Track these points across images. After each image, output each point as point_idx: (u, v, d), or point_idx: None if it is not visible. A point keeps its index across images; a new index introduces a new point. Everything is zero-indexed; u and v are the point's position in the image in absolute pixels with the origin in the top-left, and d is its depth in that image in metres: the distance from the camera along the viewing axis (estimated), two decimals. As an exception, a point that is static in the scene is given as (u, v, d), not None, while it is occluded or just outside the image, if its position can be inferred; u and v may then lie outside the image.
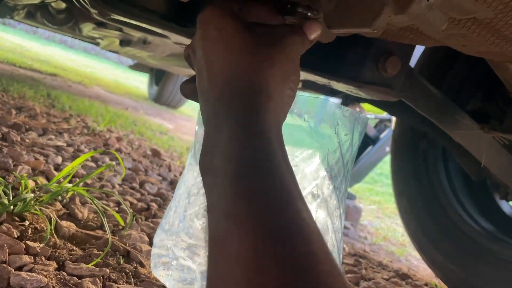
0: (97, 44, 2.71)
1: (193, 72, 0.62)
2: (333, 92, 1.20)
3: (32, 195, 0.90)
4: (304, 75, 1.00)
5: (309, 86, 1.12)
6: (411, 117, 1.22)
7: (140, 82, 7.89)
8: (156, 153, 2.05)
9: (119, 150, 1.83)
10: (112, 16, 0.87)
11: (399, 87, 0.92)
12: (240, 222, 0.33)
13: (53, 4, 1.84)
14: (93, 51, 12.97)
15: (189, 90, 0.58)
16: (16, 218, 0.87)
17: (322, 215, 0.81)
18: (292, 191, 0.38)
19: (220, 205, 0.37)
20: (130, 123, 2.85)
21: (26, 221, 0.87)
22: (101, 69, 9.18)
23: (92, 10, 0.84)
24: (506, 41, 0.67)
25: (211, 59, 0.49)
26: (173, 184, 1.62)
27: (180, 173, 1.87)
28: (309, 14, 0.68)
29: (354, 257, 1.48)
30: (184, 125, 4.08)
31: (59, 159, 1.37)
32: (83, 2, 0.83)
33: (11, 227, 0.80)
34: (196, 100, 0.57)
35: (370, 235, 2.11)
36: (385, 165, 3.97)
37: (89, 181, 1.26)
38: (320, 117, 0.88)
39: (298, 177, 0.88)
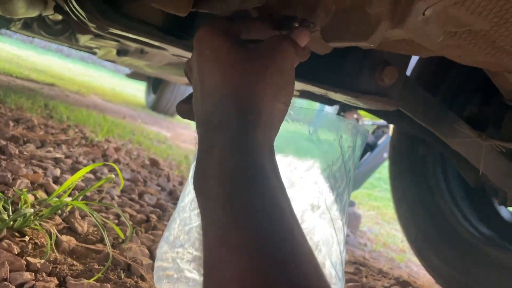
0: (94, 53, 2.72)
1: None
2: (330, 101, 1.21)
3: (32, 210, 0.90)
4: (301, 86, 1.00)
5: (306, 95, 1.13)
6: (409, 125, 1.23)
7: (138, 90, 7.90)
8: (154, 163, 2.05)
9: (117, 161, 1.83)
10: (110, 30, 0.88)
11: (396, 97, 0.93)
12: (232, 247, 0.33)
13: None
14: (90, 60, 12.98)
15: (186, 109, 0.58)
16: (16, 234, 0.87)
17: (324, 225, 0.81)
18: (284, 211, 0.38)
19: (213, 230, 0.37)
20: (128, 132, 2.85)
21: (26, 236, 0.87)
22: (98, 77, 9.19)
23: (90, 24, 0.84)
24: (501, 52, 0.68)
25: (204, 78, 0.50)
26: (172, 194, 1.62)
27: (179, 183, 1.87)
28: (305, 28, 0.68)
29: (354, 265, 1.48)
30: (182, 133, 4.08)
31: (57, 172, 1.36)
32: (81, 17, 0.84)
33: (12, 243, 0.80)
34: (192, 119, 0.58)
35: (370, 241, 2.11)
36: (383, 170, 3.97)
37: (88, 193, 1.26)
38: (322, 128, 0.89)
39: (299, 187, 0.88)
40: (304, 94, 1.12)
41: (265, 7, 0.70)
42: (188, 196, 0.75)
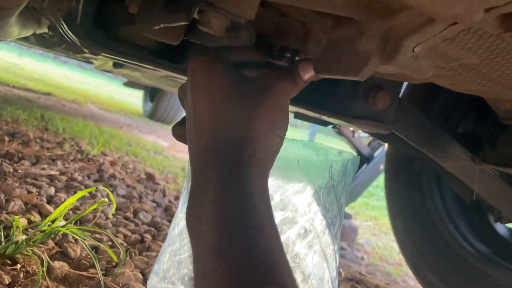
0: (91, 63, 2.73)
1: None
2: (325, 122, 1.21)
3: (24, 237, 0.89)
4: (295, 109, 1.00)
5: (301, 116, 1.13)
6: (403, 145, 1.23)
7: (135, 97, 7.89)
8: (150, 177, 2.05)
9: (113, 176, 1.82)
10: (102, 54, 0.88)
11: (390, 120, 0.93)
12: None
13: (45, 31, 1.85)
14: (88, 67, 12.98)
15: (180, 132, 0.58)
16: (8, 261, 0.86)
17: (316, 254, 0.81)
18: (277, 259, 0.38)
19: (203, 280, 0.37)
20: (124, 144, 2.84)
21: (18, 264, 0.86)
22: (95, 85, 9.19)
23: (83, 48, 0.84)
24: (493, 83, 0.68)
25: (198, 109, 0.49)
26: (167, 211, 1.61)
27: (175, 197, 1.86)
28: (297, 58, 0.69)
29: (350, 282, 1.48)
30: (178, 142, 4.07)
31: (52, 190, 1.36)
32: (74, 41, 0.84)
33: (3, 273, 0.79)
34: (187, 143, 0.57)
35: (367, 254, 2.11)
36: (381, 177, 3.96)
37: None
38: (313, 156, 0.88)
39: (289, 212, 0.88)
40: (299, 116, 1.12)
41: (258, 36, 0.70)
42: (178, 226, 0.75)
